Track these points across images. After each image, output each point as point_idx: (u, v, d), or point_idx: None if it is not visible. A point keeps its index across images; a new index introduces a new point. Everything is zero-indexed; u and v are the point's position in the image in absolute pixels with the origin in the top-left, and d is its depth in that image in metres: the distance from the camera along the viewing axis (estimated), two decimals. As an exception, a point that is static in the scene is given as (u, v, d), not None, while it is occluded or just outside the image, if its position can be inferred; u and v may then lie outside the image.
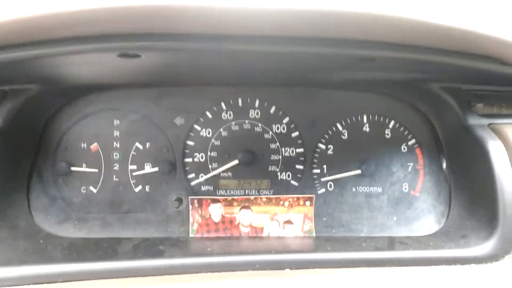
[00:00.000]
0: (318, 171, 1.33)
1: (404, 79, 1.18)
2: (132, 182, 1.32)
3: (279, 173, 1.34)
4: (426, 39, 0.89)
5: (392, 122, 1.32)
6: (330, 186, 1.33)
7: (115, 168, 1.32)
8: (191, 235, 1.18)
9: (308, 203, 1.18)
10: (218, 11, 0.75)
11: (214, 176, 1.33)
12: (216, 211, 1.18)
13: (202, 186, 1.33)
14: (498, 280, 0.95)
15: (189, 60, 1.03)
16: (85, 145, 1.31)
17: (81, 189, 1.31)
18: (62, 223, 1.24)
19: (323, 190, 1.32)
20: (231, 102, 1.33)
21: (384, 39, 0.89)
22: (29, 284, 0.94)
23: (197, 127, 1.33)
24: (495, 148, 1.06)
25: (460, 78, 1.13)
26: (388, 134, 1.32)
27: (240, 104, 1.34)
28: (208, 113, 1.33)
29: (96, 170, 1.31)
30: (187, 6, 0.73)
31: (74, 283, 0.95)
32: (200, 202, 1.18)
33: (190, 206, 1.18)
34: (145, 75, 1.19)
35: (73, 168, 1.30)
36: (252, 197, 1.18)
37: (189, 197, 1.19)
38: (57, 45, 0.86)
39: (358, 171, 1.29)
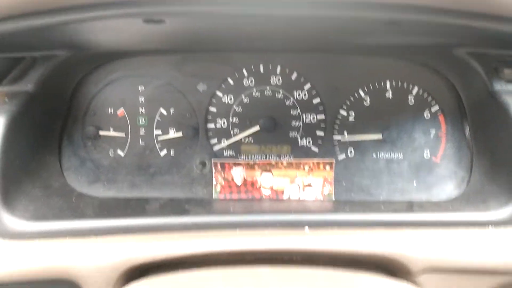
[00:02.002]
0: (339, 137, 1.34)
1: (429, 44, 1.16)
2: (157, 146, 1.37)
3: (299, 139, 1.36)
4: (452, 1, 0.87)
5: (416, 88, 1.31)
6: (351, 152, 1.34)
7: (141, 132, 1.37)
8: (214, 196, 1.22)
9: (328, 167, 1.20)
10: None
11: (236, 141, 1.36)
12: (238, 174, 1.21)
13: (224, 151, 1.37)
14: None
15: (213, 25, 1.04)
16: (112, 110, 1.36)
17: (109, 152, 1.36)
18: (92, 184, 1.30)
19: (343, 156, 1.34)
20: (253, 68, 1.34)
21: (411, 2, 0.88)
22: (63, 237, 1.01)
23: (219, 93, 1.35)
24: None
25: (487, 43, 1.10)
26: (411, 101, 1.31)
27: (261, 70, 1.34)
28: (230, 80, 1.35)
29: (123, 135, 1.36)
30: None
31: (105, 238, 1.01)
32: (222, 165, 1.21)
33: (214, 169, 1.22)
34: (168, 41, 1.21)
35: (101, 132, 1.35)
36: (273, 161, 1.21)
37: (212, 160, 1.22)
38: (84, 11, 0.88)
39: (379, 136, 1.29)
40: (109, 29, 1.04)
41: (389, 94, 1.32)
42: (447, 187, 1.23)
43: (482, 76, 1.14)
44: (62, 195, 1.19)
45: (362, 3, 0.86)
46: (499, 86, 1.11)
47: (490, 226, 1.01)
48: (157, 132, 1.36)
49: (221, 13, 0.86)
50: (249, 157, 1.35)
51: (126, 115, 1.36)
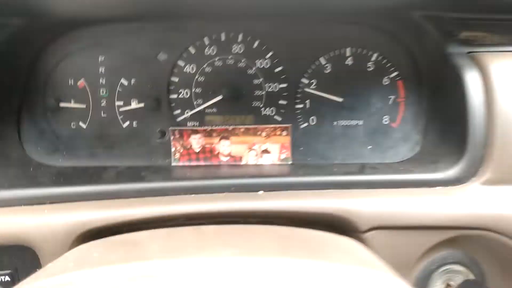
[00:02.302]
0: (301, 105, 1.35)
1: (385, 6, 1.16)
2: (119, 118, 1.36)
3: (263, 109, 1.36)
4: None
5: (375, 55, 1.31)
6: (313, 120, 1.35)
7: (102, 104, 1.36)
8: (173, 164, 1.23)
9: (284, 133, 1.21)
10: None
11: (200, 112, 1.36)
12: (196, 141, 1.22)
13: (187, 122, 1.37)
14: (463, 201, 0.99)
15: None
16: (72, 81, 1.35)
17: (71, 124, 1.36)
18: (51, 154, 1.30)
19: (306, 124, 1.35)
20: (214, 36, 1.34)
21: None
22: (18, 205, 1.02)
23: (180, 62, 1.34)
24: (470, 75, 1.06)
25: (442, 5, 1.11)
26: (370, 67, 1.32)
27: (223, 38, 1.34)
28: (191, 49, 1.34)
29: (84, 106, 1.35)
30: None
31: (60, 205, 1.02)
32: (181, 132, 1.22)
33: (172, 137, 1.22)
34: (126, 7, 1.19)
35: (61, 104, 1.34)
36: (230, 128, 1.21)
37: (170, 128, 1.23)
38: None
39: (340, 99, 1.30)
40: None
41: (349, 61, 1.32)
42: (401, 150, 1.26)
43: (437, 39, 1.15)
44: (19, 165, 1.19)
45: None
46: (452, 49, 1.13)
47: (438, 185, 1.04)
48: (118, 103, 1.36)
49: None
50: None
51: (87, 86, 1.35)
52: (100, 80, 1.35)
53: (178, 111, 1.37)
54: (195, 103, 1.37)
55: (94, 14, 1.25)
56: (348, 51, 1.32)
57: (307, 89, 1.33)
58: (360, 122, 1.33)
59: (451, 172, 1.04)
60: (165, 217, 0.98)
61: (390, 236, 0.96)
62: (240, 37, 1.34)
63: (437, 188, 1.03)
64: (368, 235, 0.96)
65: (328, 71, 1.34)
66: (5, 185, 1.06)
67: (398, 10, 1.17)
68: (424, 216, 0.97)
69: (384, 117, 1.32)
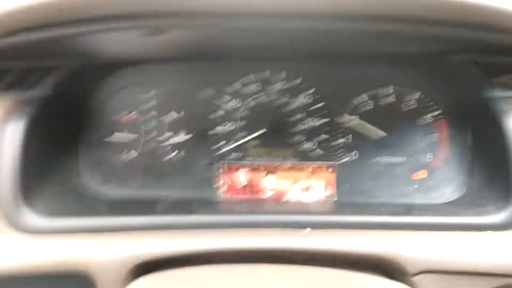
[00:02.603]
0: (342, 140, 1.38)
1: (425, 52, 1.19)
2: (168, 148, 1.43)
3: (304, 143, 1.40)
4: (439, 12, 0.90)
5: (418, 93, 1.33)
6: (355, 155, 1.38)
7: (152, 134, 1.43)
8: (220, 196, 1.28)
9: (330, 170, 1.24)
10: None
11: (243, 144, 1.41)
12: (243, 175, 1.26)
13: (231, 154, 1.42)
14: (512, 247, 0.99)
15: (219, 36, 1.09)
16: (126, 113, 1.43)
17: (123, 153, 1.43)
18: (106, 183, 1.37)
19: (347, 159, 1.38)
20: (259, 73, 1.39)
21: (400, 14, 0.91)
22: (78, 233, 1.08)
23: (226, 97, 1.40)
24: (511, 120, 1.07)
25: (482, 50, 1.13)
26: (413, 105, 1.34)
27: (267, 75, 1.39)
28: (237, 84, 1.40)
29: (135, 136, 1.43)
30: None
31: (116, 234, 1.07)
32: (228, 167, 1.27)
33: (220, 171, 1.27)
34: (174, 50, 1.26)
35: (116, 134, 1.42)
36: (276, 164, 1.25)
37: (219, 162, 1.27)
38: (92, 24, 0.95)
39: (383, 133, 1.32)
40: (117, 40, 1.10)
41: (391, 98, 1.35)
42: (446, 191, 1.26)
43: (478, 83, 1.16)
44: (78, 194, 1.26)
45: (353, 15, 0.89)
46: (493, 93, 1.13)
47: (487, 230, 1.03)
48: (168, 134, 1.43)
49: (219, 25, 0.91)
50: (255, 159, 1.40)
51: (139, 118, 1.43)
52: (152, 113, 1.42)
53: (222, 143, 1.42)
54: (239, 135, 1.42)
55: (143, 56, 1.32)
56: (390, 89, 1.35)
57: (348, 124, 1.36)
58: (403, 159, 1.34)
59: (500, 216, 1.03)
60: (218, 251, 1.01)
61: (440, 281, 0.97)
62: (283, 74, 1.39)
63: (486, 232, 1.03)
64: (417, 279, 0.97)
65: (370, 107, 1.36)
66: (65, 213, 1.13)
67: (437, 54, 1.19)
68: (473, 262, 0.97)
69: (427, 155, 1.33)
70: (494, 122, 1.11)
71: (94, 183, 1.35)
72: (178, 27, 0.93)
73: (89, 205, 1.21)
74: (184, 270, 0.86)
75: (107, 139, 1.42)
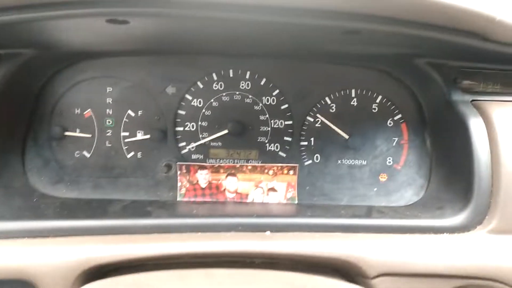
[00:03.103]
0: (305, 143, 1.37)
1: (390, 53, 1.20)
2: (124, 148, 1.36)
3: (267, 144, 1.38)
4: (409, 13, 0.91)
5: (380, 97, 1.34)
6: (317, 158, 1.37)
7: (107, 134, 1.36)
8: (178, 199, 1.22)
9: (291, 172, 1.22)
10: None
11: (204, 145, 1.37)
12: (203, 177, 1.22)
13: (192, 155, 1.37)
14: (470, 250, 1.00)
15: (180, 28, 1.05)
16: (79, 111, 1.35)
17: (75, 153, 1.35)
18: (55, 184, 1.28)
19: (310, 161, 1.36)
20: (222, 73, 1.36)
21: (368, 12, 0.91)
22: (21, 237, 1.00)
23: (188, 96, 1.36)
24: (475, 124, 1.09)
25: (446, 54, 1.15)
26: (375, 109, 1.35)
27: (231, 75, 1.36)
28: (199, 83, 1.36)
29: (89, 136, 1.35)
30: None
31: (63, 239, 1.00)
32: (188, 168, 1.22)
33: (178, 172, 1.22)
34: (136, 43, 1.21)
35: (67, 133, 1.34)
36: (238, 165, 1.22)
37: (178, 162, 1.22)
38: (46, 9, 0.88)
39: (346, 136, 1.33)
40: (74, 29, 1.03)
41: (354, 102, 1.35)
42: (406, 194, 1.27)
43: (441, 86, 1.18)
44: (23, 196, 1.17)
45: (320, 12, 0.88)
46: (456, 96, 1.16)
47: (445, 232, 1.04)
48: (124, 134, 1.36)
49: (184, 15, 0.87)
50: (217, 161, 1.36)
51: (93, 116, 1.35)
52: (107, 111, 1.35)
53: (183, 144, 1.37)
54: (200, 136, 1.37)
55: (104, 48, 1.26)
56: (353, 92, 1.35)
57: (311, 127, 1.35)
58: (364, 162, 1.35)
59: (457, 219, 1.05)
60: (171, 255, 0.96)
61: (398, 283, 0.96)
62: (247, 74, 1.36)
63: (444, 235, 1.03)
64: (376, 281, 0.96)
65: (333, 110, 1.36)
66: (7, 216, 1.04)
67: (402, 56, 1.21)
68: (431, 264, 0.97)
69: (388, 158, 1.34)
70: (454, 126, 1.13)
71: (41, 185, 1.26)
72: (135, 15, 0.88)
73: (34, 207, 1.12)
74: (133, 276, 0.80)
75: (57, 138, 1.33)
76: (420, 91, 1.30)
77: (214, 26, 1.00)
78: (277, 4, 0.87)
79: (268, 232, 1.03)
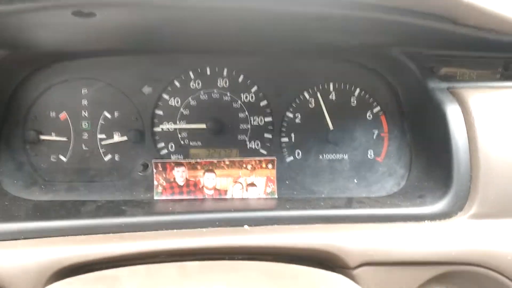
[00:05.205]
0: (286, 139, 1.35)
1: (365, 43, 1.19)
2: (101, 151, 1.33)
3: (248, 142, 1.36)
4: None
5: (358, 90, 1.34)
6: (298, 154, 1.35)
7: (84, 137, 1.33)
8: (155, 197, 1.20)
9: (270, 165, 1.20)
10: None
11: (184, 145, 1.34)
12: (180, 174, 1.19)
13: (171, 155, 1.35)
14: (451, 236, 0.98)
15: (150, 22, 1.03)
16: (54, 114, 1.32)
17: (51, 158, 1.32)
18: (29, 188, 1.25)
19: (291, 158, 1.35)
20: (199, 70, 1.34)
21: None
22: (-10, 241, 0.96)
23: (165, 96, 1.34)
24: (452, 110, 1.08)
25: (420, 42, 1.15)
26: (353, 102, 1.34)
27: (208, 73, 1.35)
28: (176, 82, 1.34)
29: (65, 139, 1.32)
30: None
31: (35, 241, 0.97)
32: (164, 165, 1.19)
33: (154, 170, 1.19)
34: (109, 42, 1.19)
35: (42, 137, 1.31)
36: (215, 161, 1.19)
37: (153, 160, 1.20)
38: (11, 3, 0.87)
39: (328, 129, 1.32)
40: (43, 26, 1.01)
41: (332, 96, 1.34)
42: (387, 185, 1.26)
43: (417, 75, 1.18)
44: (-7, 199, 1.14)
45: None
46: (432, 84, 1.16)
47: (425, 220, 1.03)
48: (100, 136, 1.33)
49: (146, 3, 0.85)
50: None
51: (69, 119, 1.33)
52: (83, 113, 1.33)
53: (162, 144, 1.35)
54: (179, 136, 1.35)
55: (77, 47, 1.24)
56: (331, 86, 1.34)
57: (293, 122, 1.34)
58: (345, 156, 1.33)
59: (438, 206, 1.03)
60: (146, 253, 0.93)
61: (380, 272, 0.94)
62: (225, 72, 1.35)
63: (425, 222, 1.02)
64: (358, 271, 0.93)
65: (312, 105, 1.35)
66: (-24, 220, 1.01)
67: (377, 47, 1.21)
68: (413, 252, 0.95)
69: (369, 151, 1.33)
70: (432, 114, 1.12)
71: (14, 188, 1.22)
72: (102, 6, 0.86)
73: (5, 210, 1.09)
74: (102, 272, 0.77)
75: (32, 142, 1.30)
76: (397, 81, 1.29)
77: (185, 19, 0.99)
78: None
79: (246, 226, 1.01)
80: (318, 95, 1.34)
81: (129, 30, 1.09)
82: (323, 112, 1.33)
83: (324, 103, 1.33)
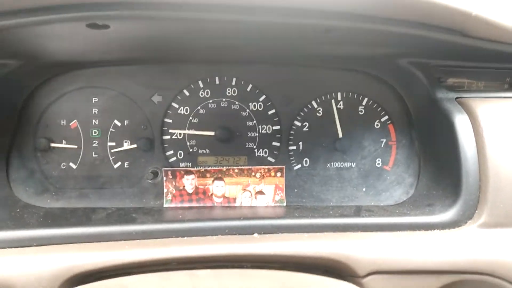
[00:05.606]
0: (294, 147, 1.36)
1: (373, 54, 1.21)
2: (111, 158, 1.35)
3: (256, 150, 1.37)
4: (388, 10, 0.92)
5: (366, 99, 1.35)
6: (306, 162, 1.36)
7: (94, 144, 1.35)
8: (165, 205, 1.21)
9: (279, 174, 1.20)
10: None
11: (193, 153, 1.36)
12: (189, 182, 1.21)
13: (180, 163, 1.36)
14: (461, 245, 0.98)
15: (162, 34, 1.05)
16: (65, 122, 1.34)
17: (61, 165, 1.33)
18: (40, 195, 1.26)
19: (299, 166, 1.35)
20: (208, 80, 1.36)
21: (348, 10, 0.92)
22: (3, 248, 0.97)
23: (174, 104, 1.36)
24: (460, 120, 1.09)
25: (428, 53, 1.16)
26: (361, 111, 1.35)
27: (217, 82, 1.36)
28: (185, 91, 1.36)
29: (75, 147, 1.34)
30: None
31: (46, 247, 0.98)
32: (173, 173, 1.20)
33: (164, 178, 1.20)
34: (121, 51, 1.21)
35: (52, 144, 1.33)
36: (224, 169, 1.21)
37: (163, 168, 1.21)
38: (27, 15, 0.89)
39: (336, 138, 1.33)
40: (57, 36, 1.03)
41: (340, 105, 1.35)
42: (396, 193, 1.26)
43: (425, 85, 1.19)
44: (5, 206, 1.15)
45: (301, 10, 0.89)
46: (440, 94, 1.16)
47: (434, 229, 1.03)
48: (111, 144, 1.35)
49: (159, 17, 0.87)
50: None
51: (79, 127, 1.34)
52: (93, 121, 1.35)
53: (171, 152, 1.36)
54: (188, 144, 1.37)
55: (89, 57, 1.26)
56: (339, 95, 1.35)
57: (300, 130, 1.35)
58: (353, 164, 1.34)
59: (447, 215, 1.03)
60: (156, 261, 0.94)
61: (389, 281, 0.94)
62: (233, 81, 1.36)
63: (434, 231, 1.02)
64: (367, 280, 0.94)
65: (320, 114, 1.36)
66: (-12, 227, 1.02)
67: (385, 57, 1.22)
68: (422, 261, 0.95)
69: (377, 159, 1.34)
70: (440, 124, 1.13)
71: (25, 195, 1.24)
72: (116, 19, 0.88)
73: (17, 217, 1.10)
74: (115, 279, 0.78)
75: (43, 150, 1.32)
76: (405, 91, 1.30)
77: (196, 31, 1.00)
78: (258, 3, 0.87)
79: (256, 234, 1.01)
80: (333, 102, 1.34)
81: (141, 41, 1.11)
82: (331, 121, 1.34)
83: (331, 112, 1.34)
